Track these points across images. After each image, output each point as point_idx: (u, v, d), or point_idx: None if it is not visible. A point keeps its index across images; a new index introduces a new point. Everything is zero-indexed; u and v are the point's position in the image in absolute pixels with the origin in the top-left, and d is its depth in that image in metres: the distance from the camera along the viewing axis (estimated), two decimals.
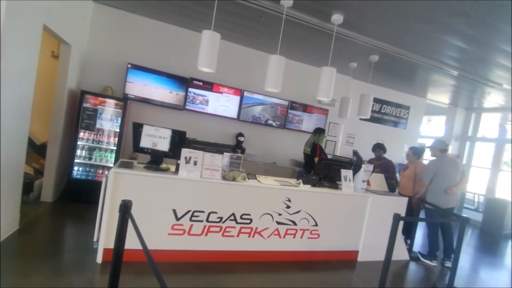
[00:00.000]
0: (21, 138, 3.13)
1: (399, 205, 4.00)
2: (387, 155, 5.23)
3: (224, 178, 3.19)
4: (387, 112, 7.48)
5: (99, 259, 2.78)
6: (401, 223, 3.92)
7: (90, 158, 4.49)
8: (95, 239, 2.85)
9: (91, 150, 4.49)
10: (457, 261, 3.35)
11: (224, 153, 3.30)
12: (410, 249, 4.35)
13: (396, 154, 7.37)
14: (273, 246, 3.43)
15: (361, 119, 6.75)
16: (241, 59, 5.80)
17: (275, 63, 3.70)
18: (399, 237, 4.03)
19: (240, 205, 3.25)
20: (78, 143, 4.38)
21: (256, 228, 3.33)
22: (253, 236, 3.33)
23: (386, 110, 7.45)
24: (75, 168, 4.43)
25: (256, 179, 3.50)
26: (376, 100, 7.15)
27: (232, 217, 3.22)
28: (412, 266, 4.06)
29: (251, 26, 4.66)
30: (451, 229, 4.20)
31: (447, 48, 4.32)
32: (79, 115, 4.35)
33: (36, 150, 4.68)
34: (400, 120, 7.69)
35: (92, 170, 4.55)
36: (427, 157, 5.09)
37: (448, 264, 4.08)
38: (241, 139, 5.73)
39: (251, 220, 3.30)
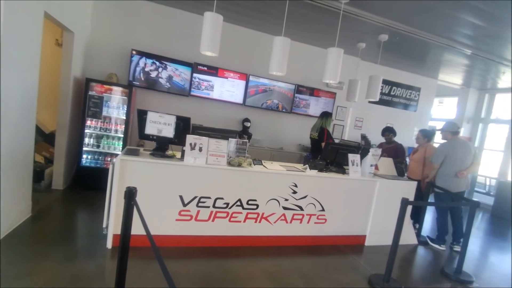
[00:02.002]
0: (28, 127, 3.15)
1: (408, 189, 3.95)
2: (397, 139, 5.13)
3: (229, 164, 3.18)
4: (397, 94, 7.30)
5: (108, 244, 2.85)
6: (409, 208, 3.87)
7: (98, 146, 4.53)
8: (104, 225, 2.91)
9: (98, 138, 4.53)
10: (466, 245, 3.32)
11: (230, 139, 3.28)
12: (418, 233, 4.32)
13: (407, 138, 7.24)
14: (280, 231, 3.45)
15: (370, 102, 6.60)
16: (246, 42, 5.68)
17: (280, 45, 3.60)
18: (407, 221, 4.00)
19: (246, 191, 3.25)
20: (86, 131, 4.41)
21: (263, 214, 3.34)
22: (259, 222, 3.34)
23: (396, 92, 7.27)
24: (84, 156, 4.48)
25: (262, 164, 3.48)
26: (385, 82, 6.98)
27: (238, 203, 3.23)
28: (421, 250, 4.04)
29: (254, 7, 4.53)
30: (461, 213, 4.14)
31: (460, 25, 4.12)
32: (85, 103, 4.36)
33: (45, 138, 4.75)
34: (411, 102, 7.51)
35: (100, 157, 4.60)
36: (438, 140, 4.96)
37: (457, 248, 4.05)
38: (247, 124, 5.69)
39: (257, 205, 3.31)
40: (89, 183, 4.46)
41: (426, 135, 4.60)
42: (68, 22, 3.84)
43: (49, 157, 4.60)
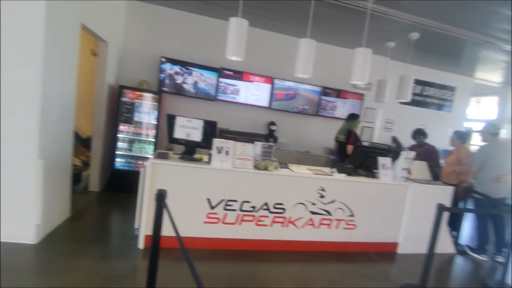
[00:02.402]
0: (67, 132, 3.36)
1: (444, 194, 3.74)
2: (430, 141, 4.89)
3: (256, 167, 3.19)
4: (429, 95, 6.96)
5: (140, 245, 2.95)
6: (446, 214, 3.66)
7: (130, 150, 4.73)
8: (136, 226, 3.02)
9: (130, 142, 4.73)
10: (510, 255, 3.08)
11: (256, 142, 3.29)
12: (456, 242, 4.07)
13: (441, 140, 6.86)
14: (307, 236, 3.39)
15: (400, 103, 6.35)
16: (271, 45, 5.69)
17: (305, 47, 3.57)
18: (444, 228, 3.78)
19: (272, 195, 3.24)
20: (119, 135, 4.63)
21: (290, 218, 3.31)
22: (286, 226, 3.31)
23: (428, 92, 6.94)
24: (117, 159, 4.69)
25: (288, 168, 3.46)
26: (417, 82, 6.68)
27: (265, 207, 3.23)
28: (459, 260, 3.80)
29: (279, 10, 4.53)
30: (504, 220, 3.85)
31: (499, 20, 3.86)
32: (118, 109, 4.58)
33: (82, 143, 5.02)
34: (445, 102, 7.13)
35: (133, 161, 4.79)
36: (477, 141, 4.67)
37: (500, 259, 3.76)
38: (273, 127, 5.68)
39: (284, 209, 3.28)
40: (122, 186, 4.66)
41: (461, 136, 4.35)
42: (102, 32, 4.05)
43: (86, 161, 4.86)
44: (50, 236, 2.95)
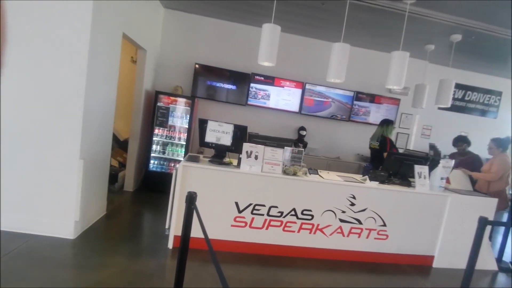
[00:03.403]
0: (107, 135, 3.58)
1: (487, 206, 3.47)
2: (473, 149, 4.56)
3: (284, 172, 3.17)
4: (472, 100, 6.51)
5: (170, 244, 3.05)
6: (488, 228, 3.40)
7: (163, 153, 4.93)
8: (167, 226, 3.12)
9: (164, 145, 4.92)
10: None
11: (285, 147, 3.28)
12: (499, 259, 3.74)
13: (485, 148, 6.38)
14: (335, 245, 3.30)
15: (439, 108, 6.01)
16: (303, 50, 5.66)
17: (339, 51, 3.51)
18: (486, 243, 3.50)
19: (301, 201, 3.20)
20: (154, 138, 4.84)
21: (318, 225, 3.25)
22: (314, 233, 3.25)
23: (471, 97, 6.49)
24: (151, 161, 4.91)
25: (318, 174, 3.40)
26: (458, 86, 6.28)
27: (292, 212, 3.19)
28: (502, 278, 3.49)
29: (312, 14, 4.50)
30: None
31: None
32: (154, 113, 4.79)
33: (119, 145, 5.32)
34: (490, 108, 6.62)
35: (165, 163, 4.98)
36: None
37: None
38: (303, 133, 5.63)
39: (312, 216, 3.22)
40: (155, 187, 4.85)
41: (500, 144, 4.02)
42: (141, 41, 4.29)
43: (122, 162, 5.13)
44: (86, 232, 3.14)
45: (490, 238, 3.80)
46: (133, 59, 5.54)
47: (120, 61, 3.65)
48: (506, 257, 3.86)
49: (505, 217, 4.60)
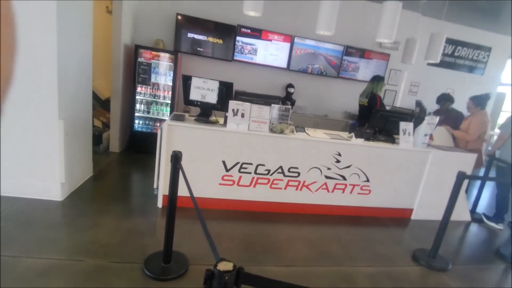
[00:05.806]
0: (86, 94, 3.40)
1: (465, 162, 3.61)
2: (458, 106, 4.61)
3: (271, 130, 3.15)
4: (461, 55, 6.43)
5: (159, 204, 3.09)
6: (465, 183, 3.57)
7: (148, 112, 4.78)
8: (155, 186, 3.13)
9: (148, 104, 4.76)
10: None
11: (272, 105, 3.22)
12: (473, 210, 4.00)
13: None
14: (321, 200, 3.43)
15: (428, 64, 5.93)
16: (292, 1, 5.32)
17: (328, 1, 3.31)
18: (462, 196, 3.71)
19: (287, 158, 3.23)
20: (137, 97, 4.65)
21: (304, 182, 3.32)
22: (300, 189, 3.34)
23: (460, 52, 6.41)
24: (136, 121, 4.77)
25: (305, 132, 3.40)
26: (448, 41, 6.14)
27: (279, 170, 3.24)
28: (474, 227, 3.77)
29: None
30: None
31: None
32: (135, 70, 4.54)
33: (101, 105, 5.11)
34: (477, 64, 6.59)
35: (151, 123, 4.86)
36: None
37: None
38: (291, 90, 5.53)
39: (299, 173, 3.29)
40: (142, 147, 4.79)
41: (479, 102, 4.03)
42: None
43: (106, 122, 4.98)
44: (74, 194, 3.12)
45: (466, 191, 4.02)
46: (108, 9, 5.10)
47: (94, 12, 3.34)
48: (479, 209, 4.12)
49: (480, 173, 4.82)
